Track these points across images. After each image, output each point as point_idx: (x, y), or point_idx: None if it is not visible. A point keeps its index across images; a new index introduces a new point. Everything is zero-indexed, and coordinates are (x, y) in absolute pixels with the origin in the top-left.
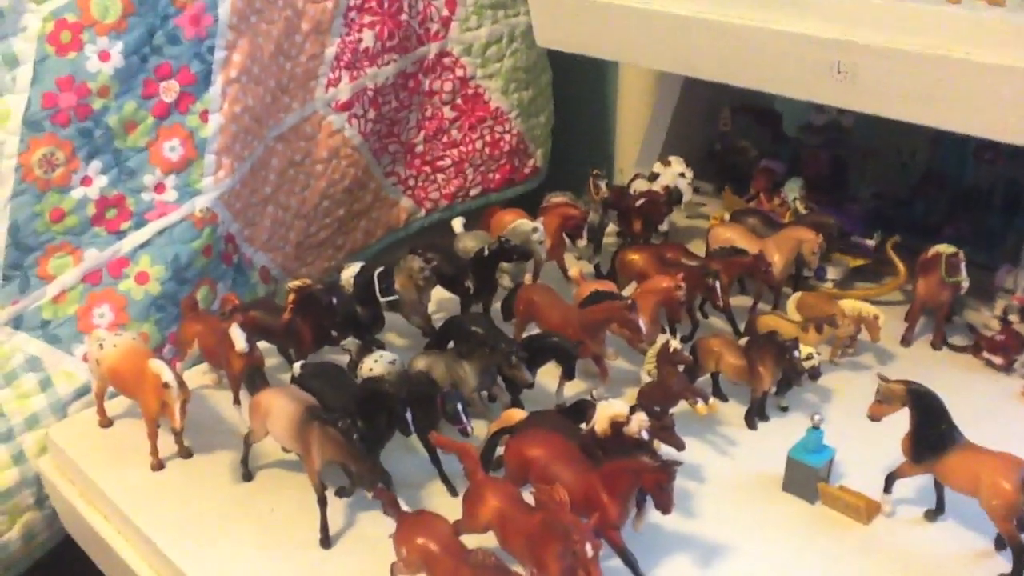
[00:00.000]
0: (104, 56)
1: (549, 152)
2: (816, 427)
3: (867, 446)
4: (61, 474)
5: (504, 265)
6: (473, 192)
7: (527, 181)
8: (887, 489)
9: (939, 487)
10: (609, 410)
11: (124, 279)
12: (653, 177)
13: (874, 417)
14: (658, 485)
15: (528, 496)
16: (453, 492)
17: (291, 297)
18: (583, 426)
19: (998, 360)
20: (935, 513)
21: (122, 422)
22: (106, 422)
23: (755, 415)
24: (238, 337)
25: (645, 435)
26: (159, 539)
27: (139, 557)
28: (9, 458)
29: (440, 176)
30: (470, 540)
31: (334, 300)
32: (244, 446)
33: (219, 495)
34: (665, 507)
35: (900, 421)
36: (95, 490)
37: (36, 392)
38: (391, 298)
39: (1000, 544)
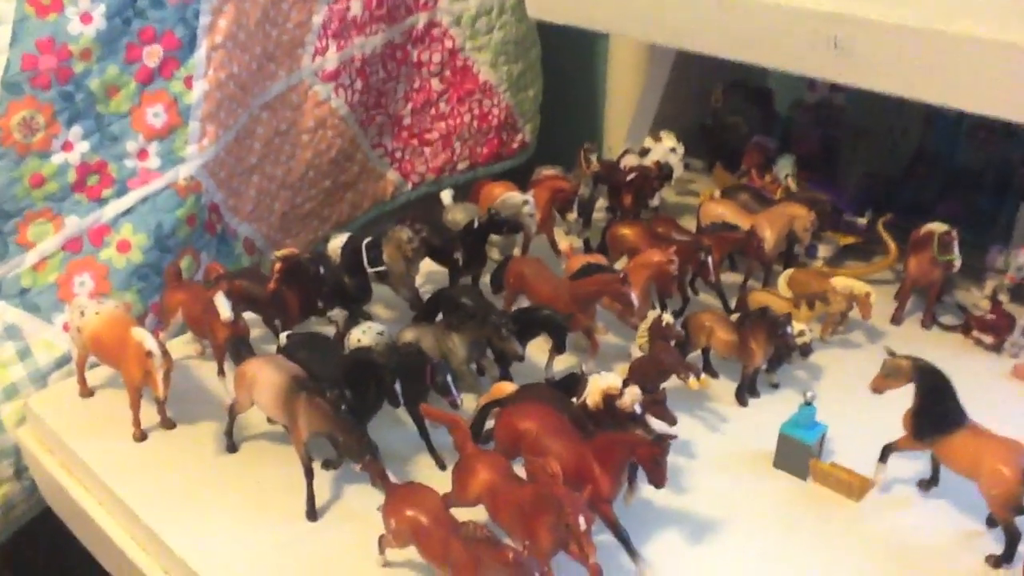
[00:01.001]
0: (86, 18)
1: (538, 127)
2: (808, 403)
3: (858, 424)
4: (41, 445)
5: (494, 238)
6: (461, 166)
7: (515, 156)
8: (883, 459)
9: (935, 459)
10: (602, 383)
11: (105, 247)
12: (644, 152)
13: (877, 390)
14: (652, 459)
15: (519, 469)
16: (441, 465)
17: (278, 266)
18: (574, 400)
19: (988, 340)
20: (929, 484)
21: (103, 392)
22: (87, 392)
23: (746, 391)
24: (223, 306)
25: (638, 409)
26: (141, 511)
27: (120, 528)
28: None
29: (427, 149)
30: (459, 514)
31: (321, 270)
32: (228, 417)
33: (203, 467)
34: (659, 481)
35: (893, 399)
36: (76, 461)
37: (14, 361)
38: (379, 269)
39: (991, 523)
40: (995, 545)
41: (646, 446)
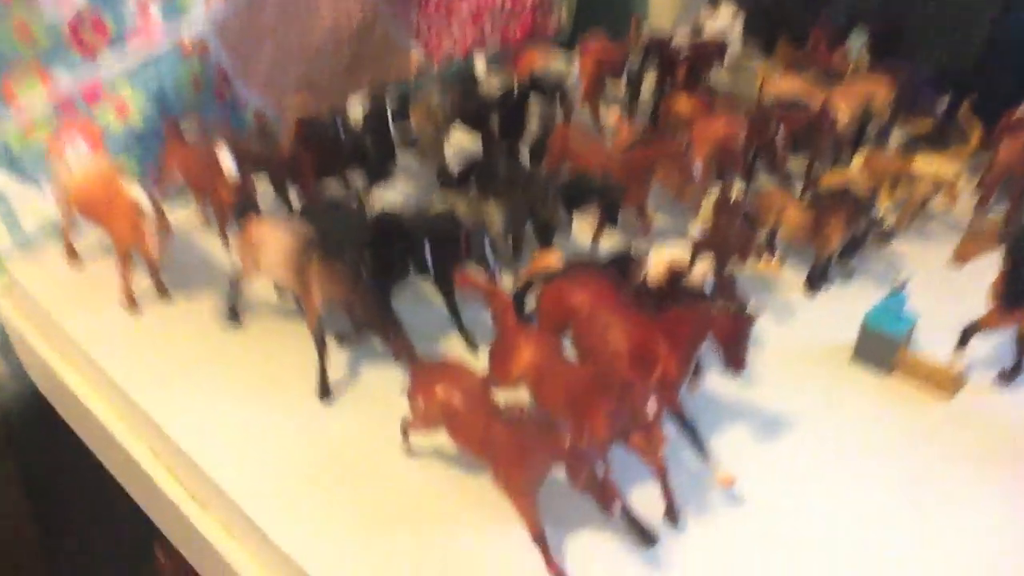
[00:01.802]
0: None
1: (574, 8)
2: (899, 290)
3: (943, 319)
4: (25, 317)
5: (533, 105)
6: (490, 47)
7: (549, 39)
8: (963, 342)
9: (1021, 345)
10: (667, 256)
11: (102, 109)
12: (698, 28)
13: (962, 258)
14: (737, 335)
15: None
16: (472, 345)
17: (294, 126)
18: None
19: None
20: (1012, 374)
21: (95, 263)
22: (75, 257)
23: (818, 278)
24: (227, 163)
25: (708, 287)
26: (132, 390)
27: (111, 410)
28: None
29: (455, 24)
30: None
31: (341, 130)
32: (231, 287)
33: (202, 342)
34: (739, 363)
35: (983, 292)
36: (61, 334)
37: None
38: (410, 138)
39: None
40: None
41: (729, 320)
